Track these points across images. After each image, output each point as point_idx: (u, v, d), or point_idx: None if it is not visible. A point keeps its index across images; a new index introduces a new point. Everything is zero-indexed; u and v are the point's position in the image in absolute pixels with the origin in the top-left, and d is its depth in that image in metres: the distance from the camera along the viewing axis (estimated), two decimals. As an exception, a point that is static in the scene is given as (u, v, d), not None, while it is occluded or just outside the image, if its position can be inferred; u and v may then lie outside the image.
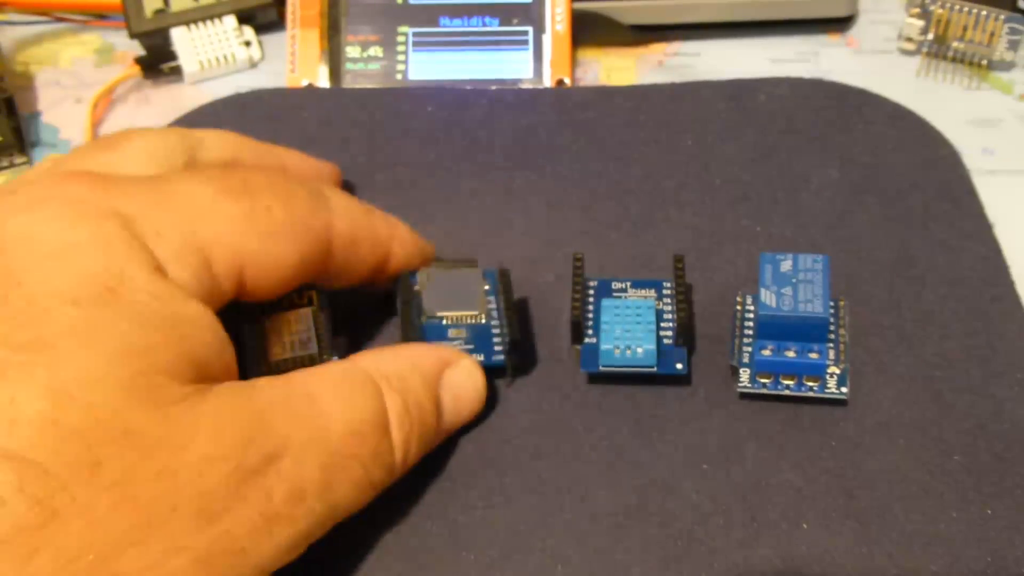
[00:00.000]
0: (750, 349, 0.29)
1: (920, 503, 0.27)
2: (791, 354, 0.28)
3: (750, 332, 0.29)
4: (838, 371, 0.29)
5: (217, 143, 0.30)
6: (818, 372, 0.28)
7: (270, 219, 0.26)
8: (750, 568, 0.26)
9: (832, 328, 0.29)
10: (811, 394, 0.29)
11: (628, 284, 0.30)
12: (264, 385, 0.24)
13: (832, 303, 0.29)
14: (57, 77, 0.41)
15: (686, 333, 0.29)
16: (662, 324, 0.29)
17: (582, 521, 0.27)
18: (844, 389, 0.28)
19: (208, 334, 0.24)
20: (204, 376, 0.23)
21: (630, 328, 0.29)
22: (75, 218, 0.23)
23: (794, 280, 0.28)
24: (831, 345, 0.29)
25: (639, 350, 0.28)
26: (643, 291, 0.30)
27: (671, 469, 0.28)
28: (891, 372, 0.30)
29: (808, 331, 0.28)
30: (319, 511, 0.24)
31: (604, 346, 0.28)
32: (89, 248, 0.23)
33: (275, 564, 0.23)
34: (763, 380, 0.29)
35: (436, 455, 0.28)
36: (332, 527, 0.25)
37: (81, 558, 0.20)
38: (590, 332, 0.29)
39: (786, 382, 0.29)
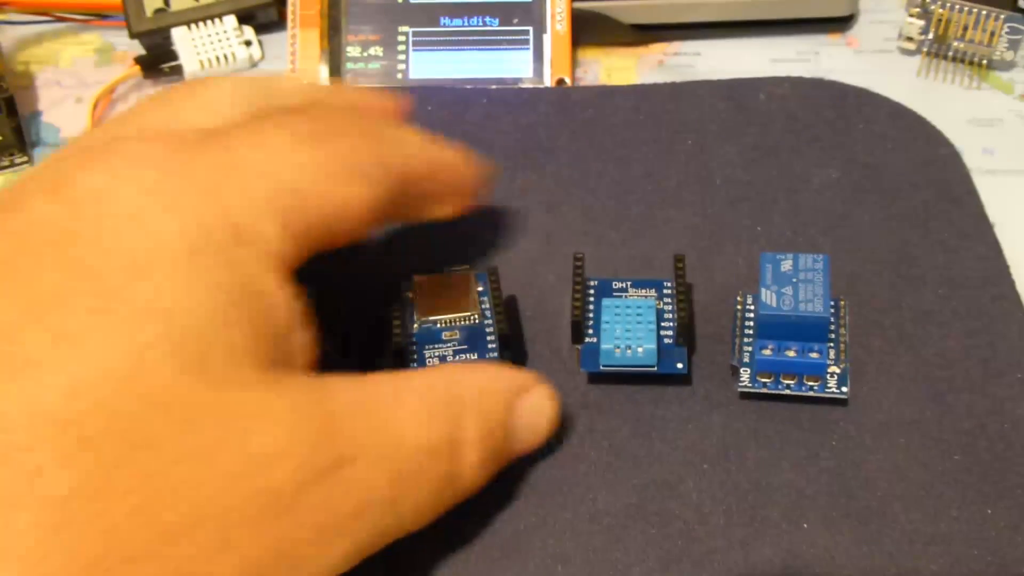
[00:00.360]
0: (750, 349, 0.29)
1: (920, 503, 0.27)
2: (791, 354, 0.28)
3: (750, 332, 0.29)
4: (838, 371, 0.29)
5: (288, 89, 0.29)
6: (818, 372, 0.28)
7: (346, 162, 0.25)
8: (750, 568, 0.26)
9: (832, 328, 0.29)
10: (811, 394, 0.29)
11: (628, 284, 0.30)
12: (342, 385, 0.23)
13: (832, 303, 0.30)
14: (57, 77, 0.41)
15: (686, 333, 0.29)
16: (662, 324, 0.29)
17: (582, 521, 0.27)
18: (844, 389, 0.28)
19: (286, 312, 0.23)
20: (280, 359, 0.22)
21: (630, 327, 0.28)
22: (151, 181, 0.22)
23: (794, 280, 0.28)
24: (831, 345, 0.29)
25: (639, 349, 0.28)
26: (643, 291, 0.30)
27: (671, 469, 0.28)
28: (891, 372, 0.30)
29: (808, 331, 0.28)
30: (381, 526, 0.23)
31: (604, 346, 0.28)
32: (165, 213, 0.22)
33: (332, 574, 0.22)
34: (763, 380, 0.29)
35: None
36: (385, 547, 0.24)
37: (125, 541, 0.19)
38: (590, 332, 0.29)
39: (786, 382, 0.29)
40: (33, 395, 0.19)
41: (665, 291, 0.30)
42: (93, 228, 0.21)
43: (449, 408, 0.24)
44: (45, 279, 0.21)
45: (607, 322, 0.29)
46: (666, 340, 0.29)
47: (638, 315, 0.29)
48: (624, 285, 0.30)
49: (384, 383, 0.24)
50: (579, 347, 0.29)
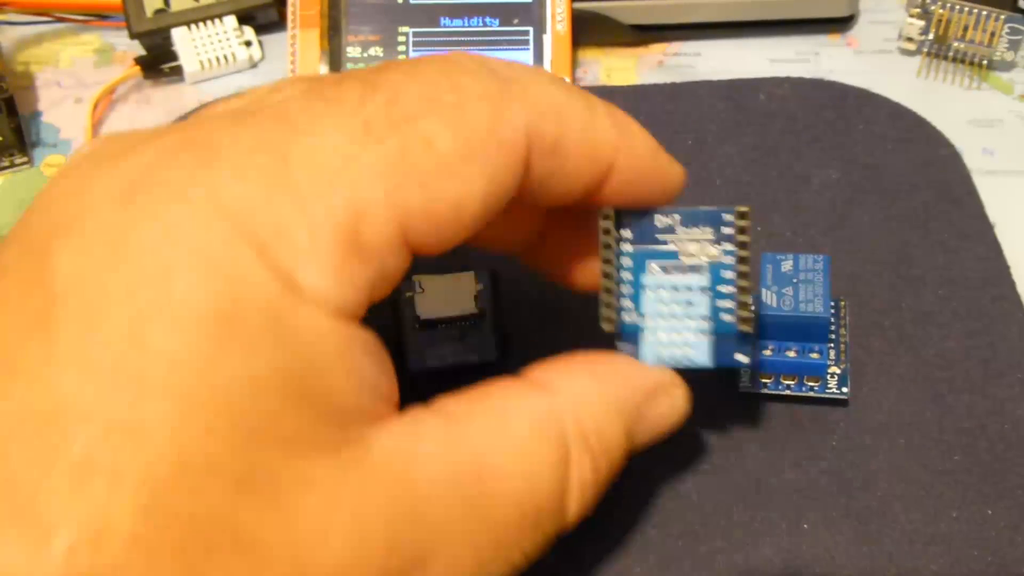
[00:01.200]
0: (750, 349, 0.29)
1: (920, 503, 0.27)
2: (792, 354, 0.28)
3: (750, 332, 0.29)
4: (839, 371, 0.29)
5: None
6: (819, 372, 0.28)
7: (431, 153, 0.19)
8: (750, 568, 0.26)
9: (833, 328, 0.29)
10: (812, 394, 0.29)
11: (677, 220, 0.24)
12: (429, 447, 0.19)
13: (833, 303, 0.29)
14: (57, 77, 0.41)
15: (750, 322, 0.23)
16: (719, 288, 0.23)
17: (582, 521, 0.27)
18: (845, 389, 0.28)
19: (352, 369, 0.18)
20: (349, 421, 0.18)
21: (678, 320, 0.23)
22: (174, 222, 0.17)
23: (795, 280, 0.28)
24: (832, 345, 0.29)
25: (690, 351, 0.23)
26: (696, 231, 0.23)
27: (671, 469, 0.28)
28: (891, 372, 0.30)
29: (809, 331, 0.28)
30: None
31: (647, 352, 0.23)
32: (190, 271, 0.17)
33: None
34: (764, 380, 0.29)
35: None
36: None
37: None
38: (627, 304, 0.23)
39: (787, 382, 0.29)
40: (45, 557, 0.16)
41: (724, 229, 0.23)
42: (109, 301, 0.17)
43: (558, 456, 0.20)
44: (87, 347, 0.17)
45: (648, 313, 0.23)
46: (725, 317, 0.23)
47: (688, 303, 0.23)
48: (670, 221, 0.24)
49: (479, 427, 0.20)
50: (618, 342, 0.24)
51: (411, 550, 0.18)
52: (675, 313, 0.23)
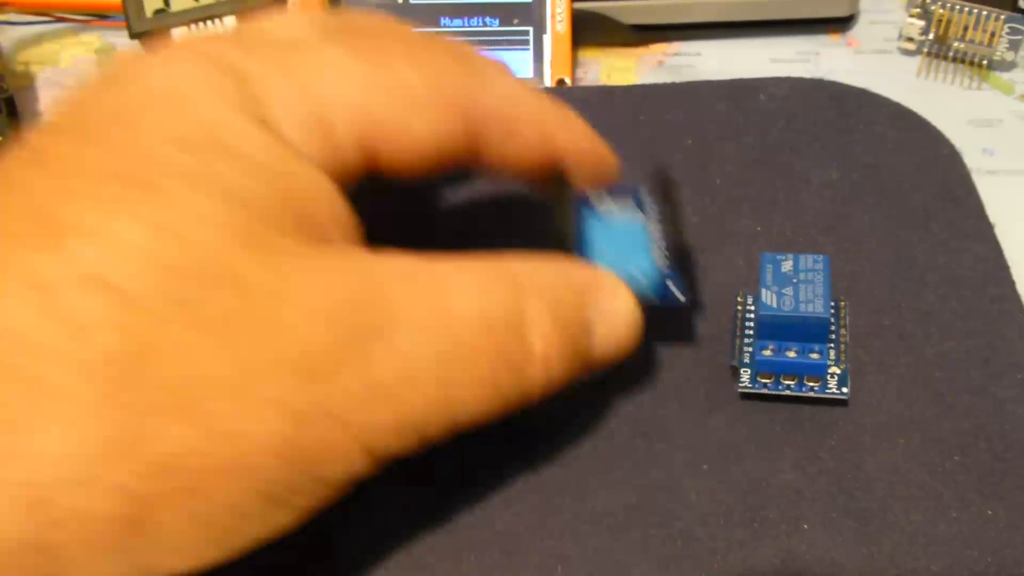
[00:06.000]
0: (751, 349, 0.29)
1: (920, 503, 0.27)
2: (792, 354, 0.28)
3: (750, 332, 0.29)
4: (839, 371, 0.29)
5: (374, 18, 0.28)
6: (819, 372, 0.28)
7: (401, 85, 0.24)
8: (750, 568, 0.26)
9: (833, 328, 0.29)
10: (812, 394, 0.29)
11: (604, 193, 0.28)
12: (390, 256, 0.22)
13: (833, 303, 0.30)
14: (57, 77, 0.41)
15: (682, 252, 0.27)
16: (650, 242, 0.27)
17: (582, 521, 0.27)
18: (845, 389, 0.28)
19: (322, 196, 0.23)
20: (319, 238, 0.22)
21: (622, 252, 0.26)
22: (193, 70, 0.23)
23: (795, 280, 0.28)
24: (832, 345, 0.29)
25: (639, 276, 0.26)
26: (620, 201, 0.28)
27: (671, 469, 0.28)
28: (891, 372, 0.30)
29: (809, 331, 0.28)
30: (433, 400, 0.22)
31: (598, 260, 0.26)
32: (202, 98, 0.22)
33: (380, 443, 0.22)
34: (763, 380, 0.29)
35: (435, 456, 0.28)
36: (450, 437, 0.23)
37: (170, 398, 0.19)
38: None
39: (787, 382, 0.29)
40: (76, 258, 0.19)
41: (642, 198, 0.28)
42: (136, 110, 0.22)
43: (510, 289, 0.23)
44: (87, 154, 0.21)
45: (592, 243, 0.26)
46: (657, 262, 0.26)
47: (627, 237, 0.26)
48: (599, 195, 0.28)
49: (436, 259, 0.23)
50: None
51: (375, 316, 0.21)
52: (620, 241, 0.26)
